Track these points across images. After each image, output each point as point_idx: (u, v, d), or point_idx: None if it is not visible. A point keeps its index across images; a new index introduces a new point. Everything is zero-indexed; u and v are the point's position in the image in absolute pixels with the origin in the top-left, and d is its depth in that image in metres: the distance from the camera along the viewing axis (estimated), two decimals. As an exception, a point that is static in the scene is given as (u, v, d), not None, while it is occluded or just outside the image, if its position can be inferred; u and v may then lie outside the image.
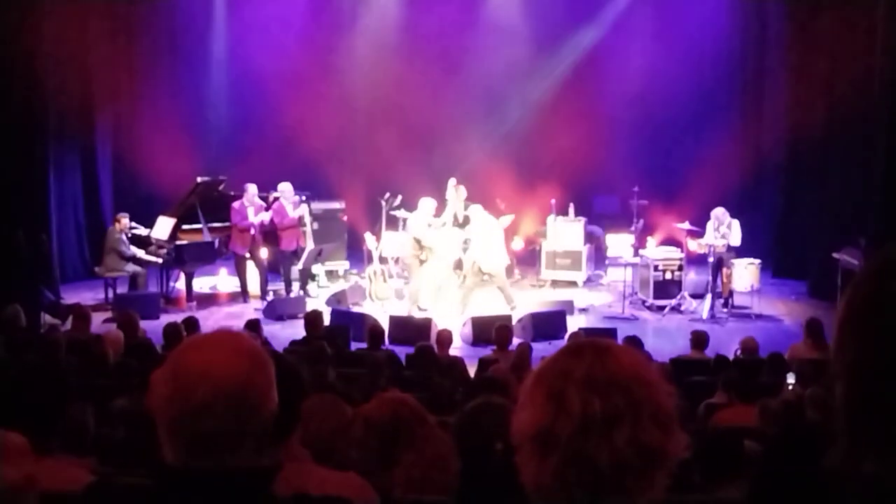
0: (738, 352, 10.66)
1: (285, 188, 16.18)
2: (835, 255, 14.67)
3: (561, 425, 1.73)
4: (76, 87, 16.57)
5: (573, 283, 17.18)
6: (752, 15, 18.81)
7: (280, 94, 19.14)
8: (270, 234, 16.44)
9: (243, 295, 16.05)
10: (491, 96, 19.72)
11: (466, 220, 16.00)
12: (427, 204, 15.28)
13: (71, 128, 16.81)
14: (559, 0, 19.65)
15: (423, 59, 19.26)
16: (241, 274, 16.07)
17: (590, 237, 17.79)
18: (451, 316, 14.58)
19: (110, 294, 15.30)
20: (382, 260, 16.26)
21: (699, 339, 10.61)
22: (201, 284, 16.66)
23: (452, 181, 15.77)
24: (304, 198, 16.64)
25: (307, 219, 16.53)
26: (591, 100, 19.65)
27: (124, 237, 15.47)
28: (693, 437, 5.50)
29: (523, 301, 15.40)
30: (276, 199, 16.31)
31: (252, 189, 15.95)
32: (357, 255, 17.59)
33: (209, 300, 16.19)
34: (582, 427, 1.71)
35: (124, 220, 15.53)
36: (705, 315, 14.99)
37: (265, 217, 15.99)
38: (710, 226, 15.27)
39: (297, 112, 18.96)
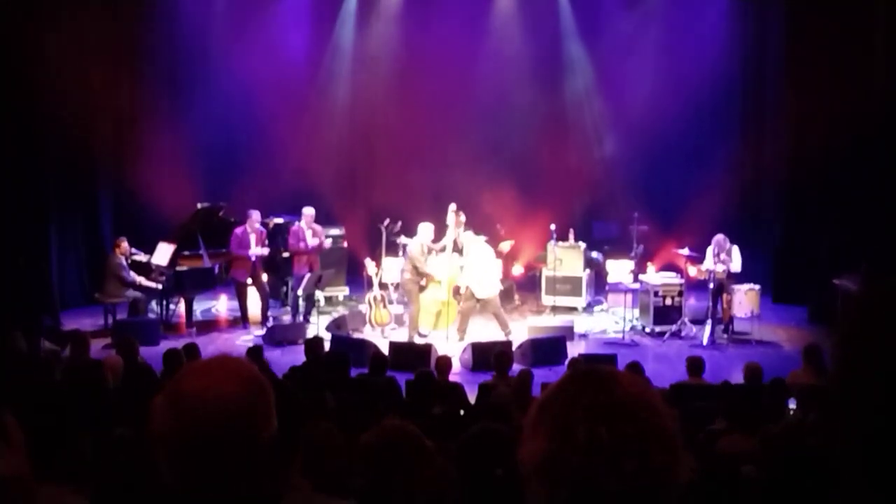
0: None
1: (308, 213, 16.22)
2: (835, 280, 14.67)
3: (568, 455, 1.71)
4: (76, 114, 16.59)
5: (573, 309, 17.16)
6: (751, 41, 18.89)
7: (280, 120, 19.19)
8: (276, 259, 16.47)
9: (243, 321, 16.03)
10: (491, 122, 19.76)
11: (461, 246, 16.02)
12: (426, 229, 15.30)
13: (71, 154, 16.79)
14: (558, 26, 19.75)
15: (422, 85, 19.29)
16: (241, 300, 16.06)
17: (590, 263, 17.78)
18: (451, 341, 14.57)
19: (110, 320, 15.28)
20: (382, 286, 16.25)
21: (695, 365, 10.59)
22: (201, 310, 16.64)
23: (453, 206, 15.78)
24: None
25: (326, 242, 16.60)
26: (591, 125, 19.71)
27: (124, 262, 15.46)
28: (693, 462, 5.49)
29: (523, 327, 15.39)
30: (286, 224, 16.42)
31: (255, 216, 15.97)
32: (357, 281, 17.58)
33: (209, 326, 16.17)
34: (589, 455, 1.70)
35: (124, 245, 15.54)
36: (706, 341, 14.98)
37: (263, 251, 16.00)
38: (709, 251, 15.28)
39: (297, 138, 19.03)
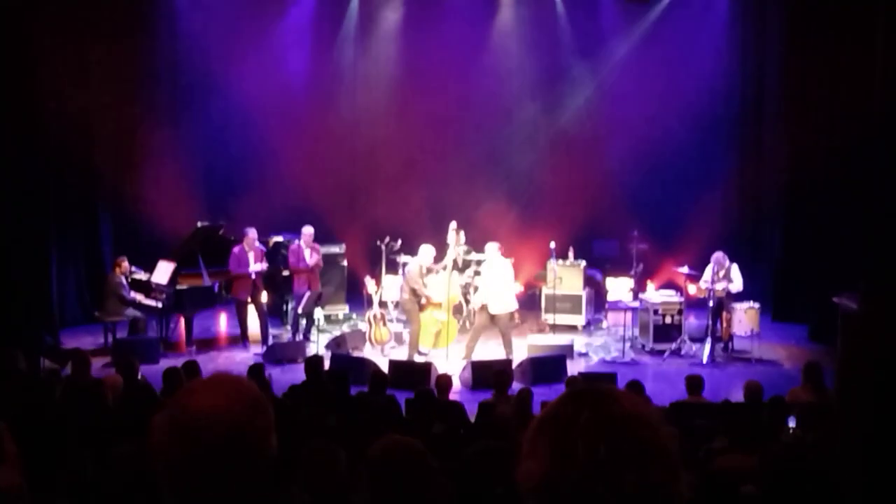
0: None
1: (307, 232, 16.22)
2: (834, 299, 14.66)
3: (568, 473, 1.72)
4: (77, 133, 16.62)
5: (573, 328, 17.15)
6: (750, 57, 18.95)
7: (280, 138, 19.24)
8: (276, 277, 16.48)
9: (243, 339, 16.01)
10: (491, 139, 19.82)
11: (466, 265, 16.00)
12: (426, 251, 15.26)
13: (71, 173, 16.80)
14: (558, 43, 19.80)
15: (422, 102, 19.36)
16: (241, 318, 16.04)
17: (589, 281, 17.78)
18: (451, 360, 14.55)
19: (110, 338, 15.27)
20: (382, 304, 16.25)
21: (694, 384, 10.58)
22: (201, 329, 16.63)
23: (453, 224, 15.78)
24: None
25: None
26: (590, 144, 19.74)
27: (124, 281, 15.48)
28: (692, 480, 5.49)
29: (523, 345, 15.35)
30: (286, 243, 16.42)
31: (252, 234, 15.95)
32: (357, 299, 17.58)
33: (209, 344, 16.15)
34: (589, 473, 1.71)
35: (124, 264, 15.56)
36: (705, 359, 14.96)
37: (262, 267, 16.00)
38: (708, 269, 15.29)
39: (297, 156, 19.07)
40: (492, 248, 15.05)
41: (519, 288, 17.99)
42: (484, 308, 14.75)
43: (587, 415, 1.77)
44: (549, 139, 19.64)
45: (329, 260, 17.67)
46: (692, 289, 15.79)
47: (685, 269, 15.80)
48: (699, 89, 19.03)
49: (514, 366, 13.53)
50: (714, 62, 19.23)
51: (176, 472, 2.11)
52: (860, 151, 15.73)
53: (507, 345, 14.82)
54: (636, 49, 19.45)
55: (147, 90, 18.49)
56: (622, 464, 1.72)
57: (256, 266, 15.89)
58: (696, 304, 16.29)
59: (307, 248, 16.18)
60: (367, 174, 19.95)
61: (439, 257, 15.61)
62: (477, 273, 15.79)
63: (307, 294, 15.66)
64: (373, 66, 20.19)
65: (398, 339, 15.88)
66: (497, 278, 14.79)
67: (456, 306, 15.63)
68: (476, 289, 15.80)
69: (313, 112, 19.74)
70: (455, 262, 15.74)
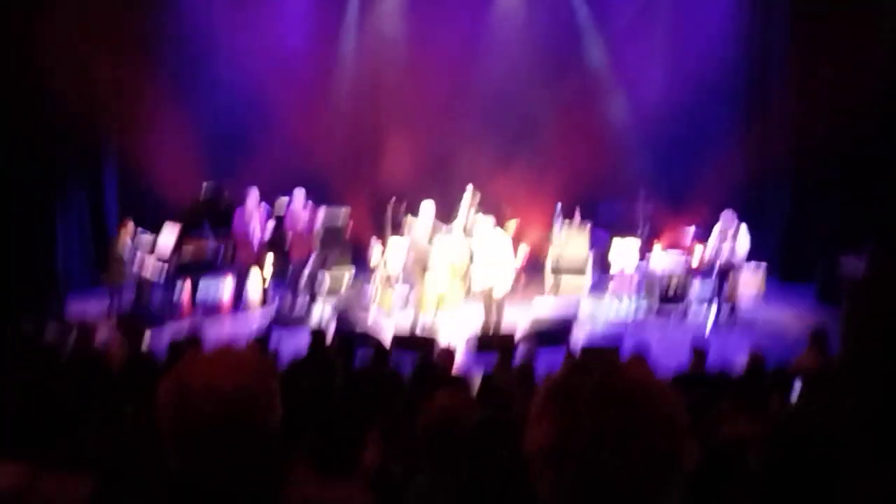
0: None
1: (298, 193, 16.20)
2: (841, 259, 14.64)
3: (574, 441, 1.73)
4: (81, 97, 16.59)
5: (579, 287, 17.13)
6: (757, 22, 18.83)
7: (285, 101, 19.19)
8: (280, 240, 16.52)
9: (237, 304, 16.03)
10: (496, 102, 19.77)
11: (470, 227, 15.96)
12: (427, 207, 15.23)
13: (75, 137, 16.81)
14: (566, 10, 19.68)
15: (428, 66, 19.29)
16: (240, 283, 16.06)
17: (596, 241, 17.75)
18: (455, 327, 14.56)
19: (115, 304, 15.31)
20: (388, 267, 16.26)
21: (699, 351, 10.59)
22: (205, 294, 16.65)
23: (470, 187, 15.73)
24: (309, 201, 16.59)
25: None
26: (597, 105, 19.71)
27: (130, 242, 15.43)
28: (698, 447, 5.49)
29: (528, 309, 15.38)
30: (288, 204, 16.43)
31: (254, 192, 15.95)
32: (362, 261, 17.60)
33: (213, 311, 16.18)
34: (595, 442, 1.72)
35: (130, 225, 15.52)
36: (710, 322, 14.97)
37: (269, 225, 16.04)
38: (716, 229, 15.24)
39: (301, 119, 19.03)
40: (486, 221, 14.83)
41: (518, 260, 17.97)
42: (488, 286, 14.64)
43: (593, 383, 1.77)
44: (555, 101, 19.54)
45: (335, 222, 17.68)
46: (699, 250, 15.77)
47: (692, 230, 15.78)
48: (706, 49, 18.94)
49: (518, 332, 13.53)
50: (721, 22, 19.13)
51: (182, 440, 2.14)
52: (867, 110, 15.66)
53: (500, 315, 14.69)
54: (642, 10, 19.37)
55: (151, 52, 18.44)
56: (628, 432, 1.73)
57: (269, 223, 16.00)
58: (702, 266, 16.30)
59: (254, 211, 16.09)
60: (372, 135, 19.91)
61: (448, 220, 15.60)
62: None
63: (312, 256, 15.68)
64: (378, 29, 20.12)
65: (404, 301, 15.89)
66: (492, 256, 14.54)
67: (462, 270, 15.60)
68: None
69: (317, 75, 19.73)
70: (465, 226, 15.72)
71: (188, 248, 15.82)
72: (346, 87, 20.02)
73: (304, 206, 16.17)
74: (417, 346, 13.28)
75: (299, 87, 19.36)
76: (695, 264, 15.94)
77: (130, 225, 15.60)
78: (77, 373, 8.45)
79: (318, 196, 17.19)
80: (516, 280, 16.62)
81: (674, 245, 17.38)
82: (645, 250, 17.22)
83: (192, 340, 10.42)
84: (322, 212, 16.94)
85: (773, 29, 18.44)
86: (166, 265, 15.66)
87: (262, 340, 10.74)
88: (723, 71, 19.23)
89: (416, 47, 19.61)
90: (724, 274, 15.20)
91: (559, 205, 16.82)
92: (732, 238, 15.15)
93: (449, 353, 10.64)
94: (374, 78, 20.06)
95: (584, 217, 17.66)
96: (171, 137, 17.88)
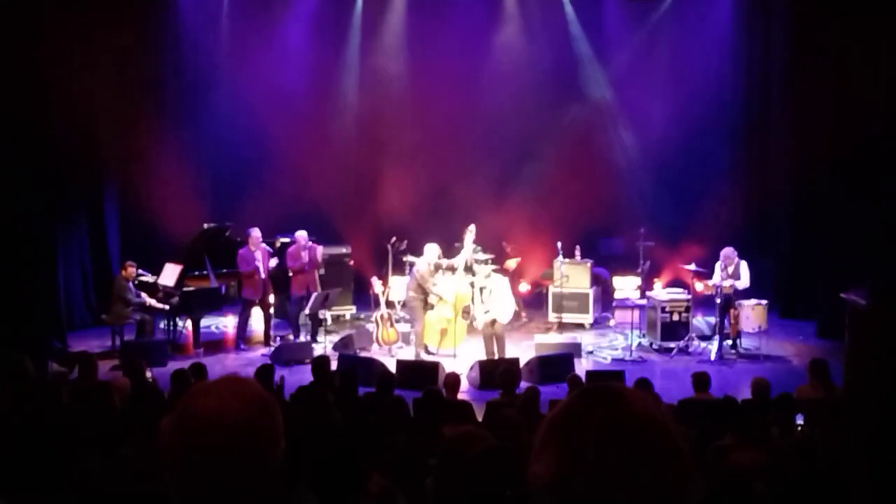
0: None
1: (300, 235, 16.21)
2: (843, 295, 14.64)
3: (579, 473, 1.71)
4: (84, 135, 16.63)
5: (580, 326, 17.14)
6: (756, 56, 18.90)
7: (286, 140, 19.25)
8: (280, 278, 16.49)
9: (238, 342, 16.00)
10: (495, 139, 19.81)
11: (472, 264, 15.94)
12: (431, 250, 15.27)
13: (77, 175, 16.84)
14: (567, 45, 19.76)
15: (428, 103, 19.35)
16: (243, 320, 16.05)
17: (596, 279, 17.77)
18: (461, 360, 14.53)
19: (117, 341, 15.28)
20: (389, 304, 16.24)
21: (701, 381, 10.55)
22: (207, 332, 16.63)
23: (472, 228, 15.78)
24: (313, 239, 16.57)
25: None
26: (596, 142, 19.75)
27: (131, 285, 15.48)
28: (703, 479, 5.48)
29: (530, 344, 15.37)
30: (291, 243, 16.39)
31: (255, 233, 15.97)
32: (364, 299, 17.59)
33: (216, 346, 16.15)
34: (600, 473, 1.70)
35: (131, 269, 15.54)
36: (713, 356, 14.95)
37: (272, 262, 16.07)
38: (717, 266, 15.28)
39: (303, 157, 19.08)
40: (487, 259, 15.64)
41: (526, 287, 18.03)
42: (491, 320, 14.76)
43: (598, 414, 1.75)
44: (555, 138, 19.58)
45: (336, 261, 17.70)
46: (699, 286, 15.78)
47: (692, 267, 15.80)
48: (705, 87, 19.04)
49: (521, 365, 13.52)
50: (720, 60, 19.23)
51: (184, 475, 2.12)
52: (866, 148, 15.69)
53: (502, 347, 14.78)
54: (642, 48, 19.46)
55: (153, 90, 18.50)
56: (634, 464, 1.70)
57: (272, 260, 15.95)
58: (703, 302, 16.29)
59: (256, 251, 16.08)
60: (374, 174, 19.94)
61: (450, 258, 15.63)
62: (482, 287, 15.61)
63: (314, 295, 15.66)
64: (378, 66, 20.18)
65: (405, 339, 15.87)
66: (493, 292, 14.86)
67: (465, 307, 15.60)
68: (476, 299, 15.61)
69: (319, 112, 19.76)
70: (466, 263, 15.76)
71: (190, 287, 15.82)
72: (347, 123, 20.07)
73: (306, 245, 16.17)
74: (423, 373, 13.26)
75: (300, 125, 19.41)
76: (696, 301, 15.93)
77: (132, 269, 15.58)
78: (79, 408, 8.44)
79: (319, 234, 17.21)
80: (518, 317, 16.64)
81: (674, 282, 17.38)
82: (646, 287, 17.23)
83: (197, 369, 10.41)
84: (323, 250, 16.94)
85: (772, 67, 18.49)
86: (168, 304, 15.66)
87: (264, 376, 10.71)
88: (722, 109, 19.30)
89: (417, 84, 19.68)
90: (726, 310, 15.19)
91: (560, 242, 16.82)
92: (733, 275, 15.16)
93: (454, 379, 10.63)
94: (375, 114, 20.11)
95: (584, 254, 17.67)
96: (172, 176, 17.91)
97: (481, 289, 14.95)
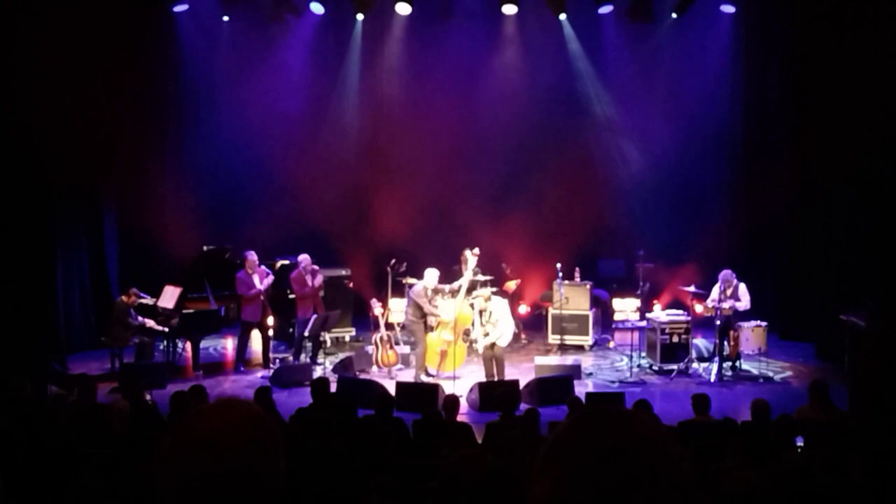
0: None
1: (304, 259, 16.22)
2: (842, 316, 14.64)
3: (578, 495, 1.71)
4: (83, 158, 16.62)
5: (580, 348, 17.12)
6: (754, 80, 18.91)
7: (285, 162, 19.30)
8: (280, 301, 16.48)
9: (238, 364, 15.98)
10: (498, 162, 19.82)
11: (473, 286, 15.92)
12: (431, 275, 15.26)
13: (76, 198, 16.86)
14: (566, 67, 19.79)
15: (427, 126, 19.38)
16: (242, 342, 16.03)
17: (596, 301, 17.77)
18: (460, 382, 14.50)
19: (116, 364, 15.26)
20: (389, 326, 16.23)
21: (701, 403, 10.53)
22: (207, 354, 16.62)
23: (475, 250, 15.79)
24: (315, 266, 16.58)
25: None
26: (596, 164, 19.76)
27: (132, 310, 15.47)
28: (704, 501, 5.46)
29: (530, 366, 15.35)
30: (292, 267, 16.41)
31: (252, 257, 15.97)
32: (363, 321, 17.57)
33: (216, 368, 16.13)
34: (600, 496, 1.70)
35: (134, 297, 15.51)
36: (713, 378, 14.92)
37: (270, 280, 16.07)
38: (716, 288, 15.28)
39: (302, 180, 19.10)
40: (487, 281, 15.80)
41: (525, 309, 18.02)
42: (491, 343, 14.77)
43: (598, 436, 1.76)
44: (553, 160, 19.60)
45: (335, 283, 17.69)
46: (699, 308, 15.78)
47: (692, 288, 15.81)
48: (704, 110, 19.06)
49: (521, 387, 13.50)
50: (718, 82, 19.25)
51: (183, 497, 2.10)
52: (865, 170, 15.71)
53: (501, 369, 14.77)
54: (641, 69, 19.49)
55: (152, 113, 18.54)
56: (634, 486, 1.70)
57: (267, 279, 15.99)
58: (703, 324, 16.28)
59: (307, 274, 16.16)
60: (372, 197, 19.96)
61: (444, 281, 15.63)
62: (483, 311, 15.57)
63: (313, 317, 15.65)
64: (377, 89, 20.23)
65: (405, 361, 15.85)
66: (493, 314, 14.85)
67: (466, 330, 15.58)
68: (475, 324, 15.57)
69: (318, 135, 19.79)
70: (466, 286, 15.74)
71: (189, 310, 15.81)
72: (346, 146, 20.08)
73: (311, 269, 16.18)
74: (422, 395, 13.23)
75: (299, 147, 19.47)
76: (695, 323, 15.92)
77: (134, 296, 15.57)
78: (78, 431, 8.42)
79: (318, 256, 17.19)
80: (517, 338, 16.63)
81: (674, 303, 17.37)
82: (645, 309, 17.23)
83: (197, 391, 10.39)
84: (323, 273, 16.94)
85: (771, 90, 18.51)
86: (168, 327, 15.65)
87: (263, 398, 10.70)
88: (721, 131, 19.35)
89: (416, 106, 19.71)
90: (725, 331, 15.19)
91: (559, 264, 16.82)
92: (732, 297, 15.16)
93: (454, 401, 10.60)
94: (374, 137, 20.16)
95: (584, 276, 17.68)
96: (172, 198, 17.93)
97: (481, 312, 14.93)
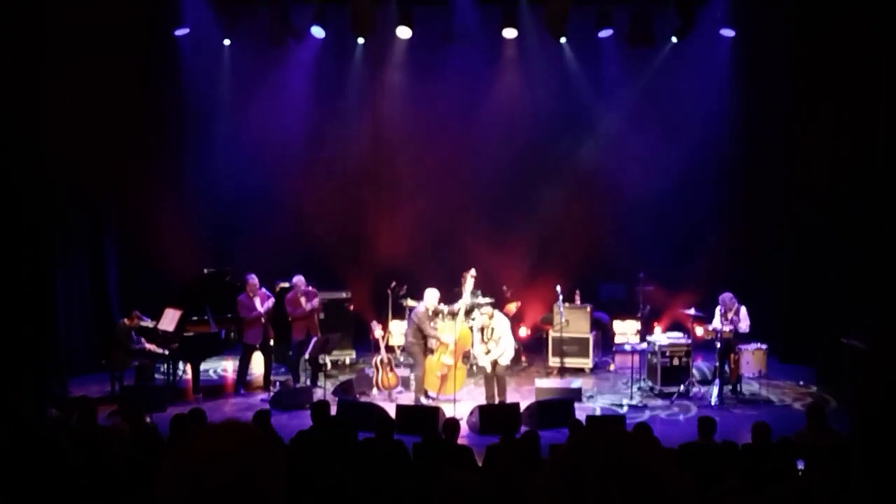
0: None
1: (298, 280, 16.23)
2: (843, 339, 14.64)
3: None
4: (83, 179, 16.65)
5: (581, 370, 17.10)
6: (753, 102, 18.93)
7: (285, 184, 19.31)
8: (279, 324, 16.47)
9: (238, 387, 15.98)
10: (496, 186, 19.82)
11: (471, 308, 15.92)
12: (431, 295, 15.27)
13: (77, 220, 16.89)
14: (564, 91, 19.83)
15: (428, 148, 19.43)
16: (243, 365, 16.02)
17: (596, 324, 17.76)
18: (460, 405, 14.49)
19: (117, 387, 15.25)
20: (389, 349, 16.22)
21: (706, 425, 10.52)
22: (207, 377, 16.60)
23: (472, 272, 15.80)
24: (311, 284, 16.58)
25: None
26: (596, 187, 19.76)
27: (133, 333, 15.47)
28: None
29: (530, 389, 15.34)
30: (290, 289, 16.39)
31: (253, 280, 15.99)
32: (364, 344, 17.55)
33: (216, 392, 16.11)
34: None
35: (136, 320, 15.51)
36: (714, 401, 14.91)
37: (271, 303, 16.07)
38: (717, 311, 15.28)
39: (302, 203, 19.09)
40: (487, 303, 15.77)
41: (526, 332, 18.01)
42: (493, 362, 14.78)
43: (599, 459, 1.76)
44: (554, 183, 19.60)
45: (336, 305, 17.69)
46: (699, 331, 15.78)
47: (692, 311, 15.80)
48: (704, 132, 19.06)
49: (521, 409, 13.49)
50: (718, 104, 19.26)
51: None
52: (865, 191, 15.73)
53: (503, 389, 14.79)
54: (641, 92, 19.51)
55: (154, 134, 18.53)
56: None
57: (268, 302, 16.00)
58: (703, 346, 16.26)
59: (302, 296, 16.15)
60: (373, 219, 19.96)
61: (450, 303, 15.64)
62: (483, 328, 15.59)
63: (313, 340, 15.64)
64: (378, 112, 20.23)
65: (405, 383, 15.83)
66: (493, 336, 14.86)
67: (466, 353, 15.58)
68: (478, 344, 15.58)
69: (318, 157, 19.81)
70: (466, 308, 15.74)
71: (190, 333, 15.81)
72: (347, 168, 20.08)
73: (305, 291, 16.19)
74: (423, 417, 13.21)
75: (300, 169, 19.48)
76: (695, 345, 15.91)
77: (137, 320, 15.57)
78: (78, 454, 8.41)
79: (318, 279, 17.21)
80: (518, 361, 16.61)
81: (674, 326, 17.36)
82: (645, 331, 17.22)
83: (197, 414, 10.38)
84: (323, 296, 16.94)
85: (770, 114, 18.54)
86: (168, 350, 15.64)
87: (262, 421, 10.69)
88: (720, 154, 19.32)
89: (416, 128, 19.73)
90: (726, 354, 15.18)
91: (559, 287, 16.81)
92: (733, 320, 15.16)
93: (454, 424, 10.59)
94: (374, 159, 20.15)
95: (584, 298, 17.68)
96: (172, 220, 17.92)
97: (482, 329, 14.92)
